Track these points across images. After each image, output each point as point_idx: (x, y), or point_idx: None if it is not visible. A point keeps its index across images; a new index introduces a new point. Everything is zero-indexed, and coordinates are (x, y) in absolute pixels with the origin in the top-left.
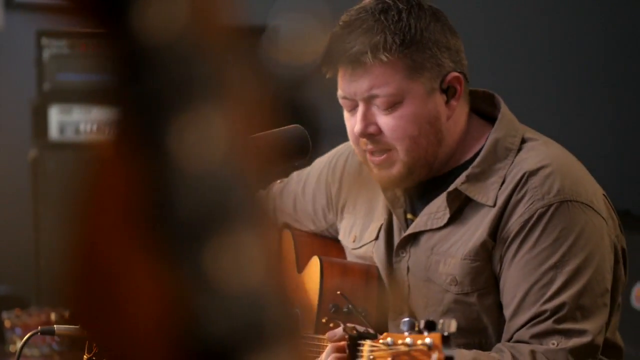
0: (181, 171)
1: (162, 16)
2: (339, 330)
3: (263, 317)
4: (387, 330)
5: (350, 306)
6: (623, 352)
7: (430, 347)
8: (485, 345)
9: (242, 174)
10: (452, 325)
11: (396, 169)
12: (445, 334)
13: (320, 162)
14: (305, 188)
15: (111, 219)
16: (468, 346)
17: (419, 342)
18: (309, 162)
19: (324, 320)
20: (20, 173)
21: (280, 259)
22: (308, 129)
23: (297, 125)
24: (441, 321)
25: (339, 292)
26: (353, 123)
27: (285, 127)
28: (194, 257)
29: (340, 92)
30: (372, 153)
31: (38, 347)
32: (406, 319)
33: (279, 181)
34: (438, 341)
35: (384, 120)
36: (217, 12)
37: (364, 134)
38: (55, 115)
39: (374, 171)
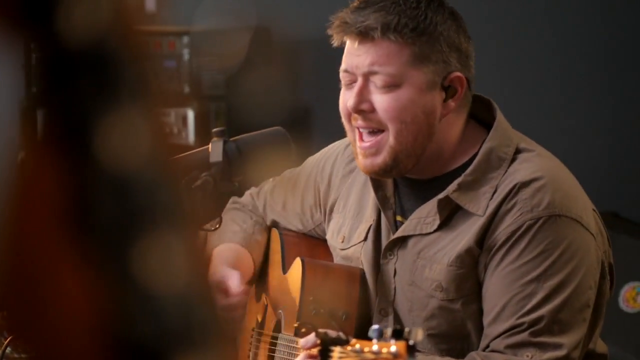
0: (106, 174)
1: (85, 19)
2: (312, 337)
3: (190, 318)
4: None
5: (332, 308)
6: (607, 358)
7: (395, 356)
8: (467, 351)
9: (167, 176)
10: (419, 334)
11: (382, 157)
12: (411, 342)
13: (310, 162)
14: (295, 187)
15: (38, 222)
16: (451, 352)
17: (384, 350)
18: (299, 162)
19: (295, 325)
20: None
21: (203, 260)
22: (300, 130)
23: (279, 127)
24: (407, 329)
25: (311, 299)
26: (347, 98)
27: (267, 129)
28: (120, 259)
29: (342, 66)
30: (361, 137)
31: None
32: (375, 327)
33: (271, 179)
34: (403, 350)
35: (379, 99)
36: (137, 16)
37: (357, 109)
38: None
39: (359, 158)
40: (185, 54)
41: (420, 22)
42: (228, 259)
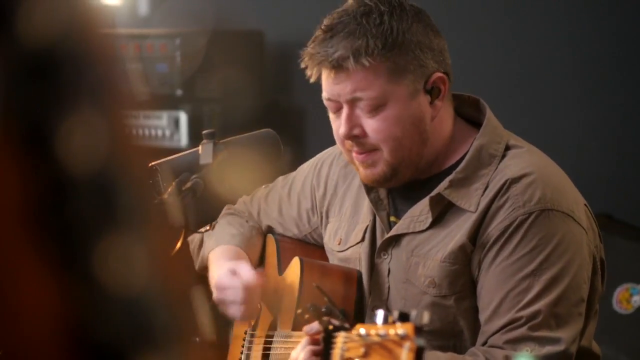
0: (66, 175)
1: (44, 22)
2: (316, 324)
3: (151, 320)
4: None
5: (329, 306)
6: (600, 359)
7: (403, 337)
8: (460, 349)
9: (128, 178)
10: (425, 317)
11: (380, 168)
12: (418, 324)
13: (305, 167)
14: (290, 192)
15: (0, 222)
16: (443, 348)
17: (392, 332)
18: (292, 164)
19: (299, 312)
20: None
21: (166, 262)
22: (293, 132)
23: (268, 129)
24: (414, 312)
25: (314, 284)
26: (338, 124)
27: (257, 131)
28: (81, 260)
29: (324, 94)
30: (358, 153)
31: None
32: (380, 311)
33: (264, 186)
34: (411, 331)
35: (368, 123)
36: (99, 19)
37: (349, 136)
38: None
39: (359, 170)
40: (177, 56)
41: (387, 37)
42: (229, 256)
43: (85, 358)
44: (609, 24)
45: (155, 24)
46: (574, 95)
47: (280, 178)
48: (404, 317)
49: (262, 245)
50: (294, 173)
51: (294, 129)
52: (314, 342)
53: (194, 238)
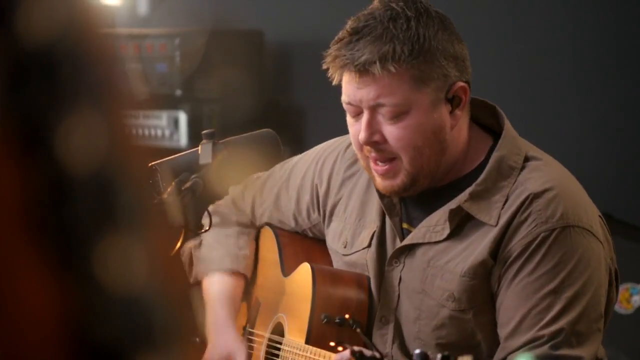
0: (65, 175)
1: (43, 21)
2: (346, 354)
3: (151, 319)
4: (371, 339)
5: (343, 317)
6: None
7: None
8: None
9: (128, 178)
10: None
11: (400, 179)
12: None
13: (305, 160)
14: (289, 184)
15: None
16: None
17: None
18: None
19: (332, 344)
20: None
21: (166, 262)
22: (293, 132)
23: (268, 129)
24: (459, 358)
25: (347, 316)
26: (357, 129)
27: (257, 131)
28: (81, 260)
29: (345, 98)
30: (375, 162)
31: None
32: (418, 351)
33: (255, 176)
34: None
35: (389, 130)
36: (99, 19)
37: (369, 142)
38: None
39: (377, 180)
40: (177, 56)
41: (414, 44)
42: (223, 306)
43: (84, 358)
44: (609, 23)
45: (155, 23)
46: (574, 95)
47: (277, 167)
48: None
49: (255, 246)
50: (291, 163)
51: (294, 129)
52: None
53: (184, 251)
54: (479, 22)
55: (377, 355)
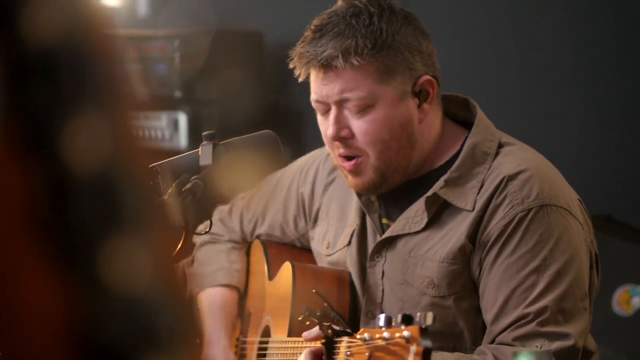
0: (70, 175)
1: (48, 23)
2: (315, 330)
3: (155, 320)
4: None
5: (324, 308)
6: (594, 355)
7: (408, 340)
8: (459, 350)
9: (132, 179)
10: (429, 318)
11: (368, 175)
12: (423, 326)
13: (289, 172)
14: (275, 197)
15: (3, 224)
16: (442, 350)
17: (397, 335)
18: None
19: (300, 318)
20: None
21: (169, 264)
22: (292, 134)
23: (269, 130)
24: (418, 314)
25: (314, 291)
26: (326, 126)
27: (257, 132)
28: (86, 261)
29: (313, 96)
30: (344, 159)
31: None
32: (383, 315)
33: (241, 196)
34: (416, 333)
35: (356, 124)
36: (103, 21)
37: (337, 137)
38: None
39: (349, 178)
40: (177, 57)
41: (377, 38)
42: (215, 320)
43: (91, 359)
44: (607, 23)
45: (155, 25)
46: (572, 95)
47: (262, 183)
48: (407, 320)
49: (246, 260)
50: (275, 177)
51: (294, 130)
52: (315, 352)
53: (177, 267)
54: (475, 21)
55: (348, 330)
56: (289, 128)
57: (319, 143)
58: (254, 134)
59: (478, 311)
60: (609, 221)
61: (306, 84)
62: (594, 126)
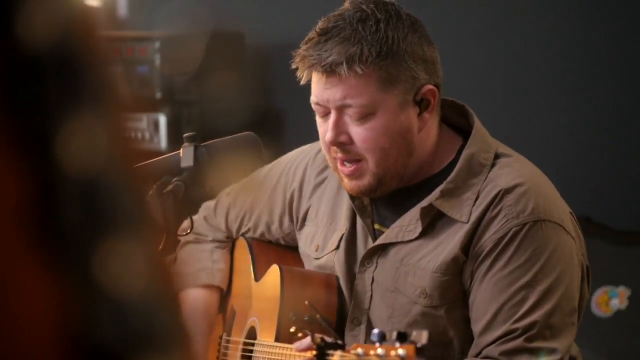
0: (67, 177)
1: (44, 23)
2: (307, 340)
3: (152, 322)
4: (343, 340)
5: (312, 315)
6: None
7: (403, 359)
8: (447, 358)
9: (128, 181)
10: (424, 337)
11: (366, 180)
12: (419, 345)
13: (276, 169)
14: (261, 194)
15: None
16: (431, 359)
17: (392, 353)
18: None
19: (292, 330)
20: None
21: (165, 266)
22: (273, 135)
23: (250, 132)
24: (414, 333)
25: (306, 302)
26: (325, 129)
27: (238, 134)
28: (81, 263)
29: (313, 98)
30: (342, 163)
31: None
32: (376, 330)
33: (226, 191)
34: (412, 352)
35: (356, 131)
36: (98, 22)
37: (335, 142)
38: None
39: (344, 181)
40: (157, 59)
41: (382, 45)
42: (195, 322)
43: None
44: (596, 25)
45: (135, 26)
46: (552, 97)
47: (247, 180)
48: (402, 337)
49: (230, 259)
50: (261, 174)
51: (275, 132)
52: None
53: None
54: (462, 22)
55: (340, 341)
56: (270, 129)
57: (300, 144)
58: (235, 135)
59: (468, 321)
60: (589, 223)
61: (287, 85)
62: (574, 128)
